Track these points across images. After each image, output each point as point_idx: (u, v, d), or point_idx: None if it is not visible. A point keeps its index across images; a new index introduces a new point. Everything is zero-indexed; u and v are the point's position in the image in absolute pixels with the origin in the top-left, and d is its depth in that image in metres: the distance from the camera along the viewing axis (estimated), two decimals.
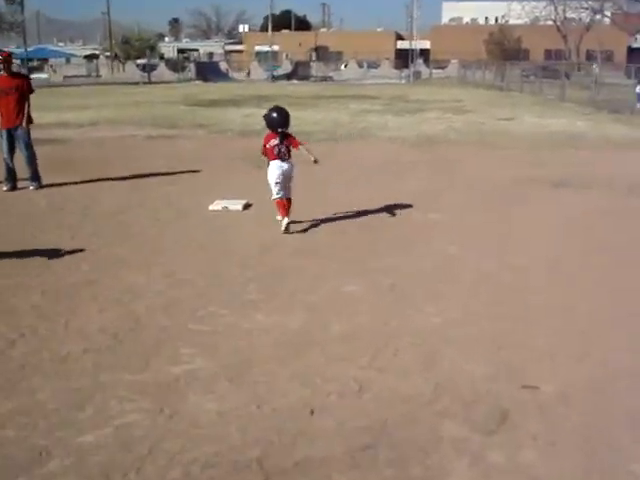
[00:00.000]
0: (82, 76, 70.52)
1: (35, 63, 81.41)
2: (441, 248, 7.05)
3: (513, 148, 15.01)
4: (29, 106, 10.65)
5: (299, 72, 61.65)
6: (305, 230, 7.86)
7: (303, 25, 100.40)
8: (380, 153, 14.17)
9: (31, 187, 10.73)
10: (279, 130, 7.66)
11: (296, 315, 5.31)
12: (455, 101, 30.38)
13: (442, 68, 67.03)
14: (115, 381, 4.30)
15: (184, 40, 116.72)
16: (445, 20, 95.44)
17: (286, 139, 7.71)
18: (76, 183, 11.15)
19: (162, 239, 7.57)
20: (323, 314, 5.32)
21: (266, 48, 66.65)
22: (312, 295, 5.73)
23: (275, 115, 7.71)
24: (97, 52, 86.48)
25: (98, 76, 71.96)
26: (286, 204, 7.78)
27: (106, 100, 32.82)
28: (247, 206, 9.10)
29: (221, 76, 63.18)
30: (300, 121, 20.72)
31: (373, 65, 69.91)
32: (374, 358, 4.55)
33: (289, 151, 7.76)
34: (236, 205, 9.05)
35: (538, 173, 11.52)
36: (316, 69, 65.56)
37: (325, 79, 59.41)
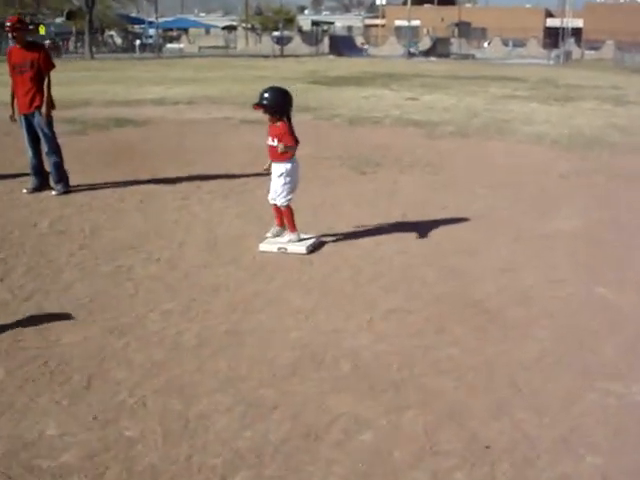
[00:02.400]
0: (218, 47, 69.39)
1: (174, 33, 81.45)
2: (624, 392, 3.77)
3: None
4: (49, 86, 8.09)
5: (438, 49, 57.67)
6: (386, 315, 4.76)
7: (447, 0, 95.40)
8: (520, 159, 10.76)
9: (53, 192, 8.23)
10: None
11: None
12: (613, 88, 26.03)
13: (595, 49, 61.22)
14: None
15: (324, 13, 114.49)
16: None
17: None
18: (113, 185, 8.57)
19: (150, 315, 4.71)
20: None
21: (406, 23, 62.93)
22: None
23: (283, 94, 6.04)
24: (235, 23, 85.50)
25: (233, 48, 70.77)
26: None
27: (225, 74, 30.68)
28: (316, 247, 6.10)
29: (355, 51, 60.20)
30: (426, 107, 17.51)
31: (519, 44, 64.88)
32: None
33: None
34: (299, 246, 6.06)
35: None
36: (457, 46, 61.32)
37: (466, 57, 55.18)
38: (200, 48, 68.52)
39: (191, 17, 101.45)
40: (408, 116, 15.61)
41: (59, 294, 5.08)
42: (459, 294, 5.05)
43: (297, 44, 65.75)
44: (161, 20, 76.23)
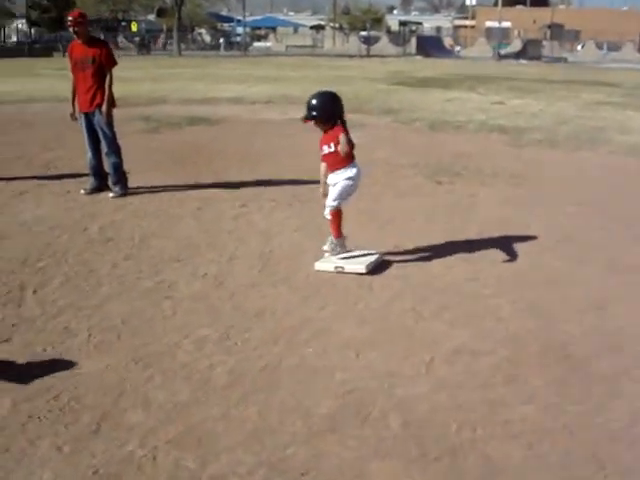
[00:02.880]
0: (306, 46, 69.31)
1: (262, 31, 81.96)
2: None
3: None
4: (111, 84, 7.72)
5: (529, 51, 55.90)
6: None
7: (539, 1, 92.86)
8: (614, 171, 9.87)
9: (111, 194, 7.90)
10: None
11: None
12: None
13: None
14: None
15: (413, 13, 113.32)
16: None
17: None
18: (174, 188, 8.20)
19: (183, 342, 4.21)
20: None
21: (497, 24, 61.30)
22: None
23: (332, 99, 5.42)
24: (323, 23, 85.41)
25: (320, 47, 70.63)
26: None
27: (308, 73, 30.30)
28: (377, 266, 5.51)
29: (444, 52, 59.04)
30: (514, 112, 16.62)
31: (614, 47, 62.45)
32: None
33: None
34: (358, 264, 5.46)
35: None
36: (549, 49, 59.41)
37: (558, 60, 53.35)
38: (287, 47, 68.60)
39: (280, 16, 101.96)
40: (493, 121, 14.79)
41: (91, 312, 4.65)
42: (538, 334, 4.37)
43: (384, 44, 65.01)
44: (250, 19, 76.74)
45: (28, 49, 47.56)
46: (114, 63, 7.76)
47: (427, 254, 5.85)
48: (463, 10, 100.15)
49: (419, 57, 54.03)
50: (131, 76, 26.92)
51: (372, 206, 7.38)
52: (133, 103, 17.37)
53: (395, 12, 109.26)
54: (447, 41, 68.28)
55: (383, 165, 9.78)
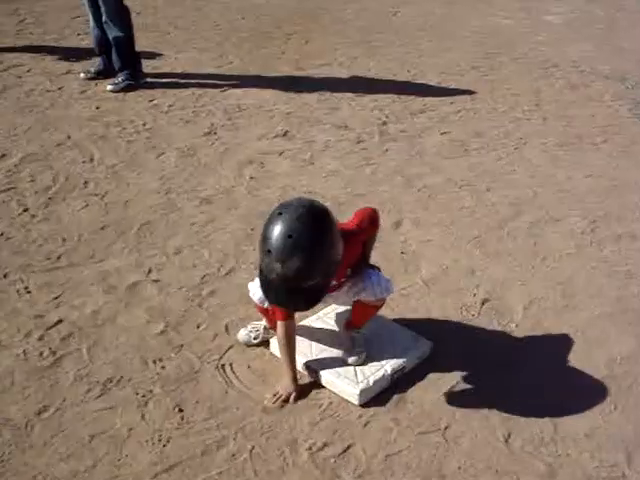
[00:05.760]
0: None
1: None
2: None
3: None
4: None
5: None
6: None
7: None
8: None
9: (109, 86, 5.18)
10: None
11: None
12: None
13: None
14: None
15: None
16: None
17: None
18: (209, 84, 5.41)
19: None
20: None
21: None
22: None
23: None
24: None
25: None
26: None
27: None
28: (393, 381, 2.46)
29: None
30: None
31: None
32: None
33: None
34: (349, 384, 2.39)
35: None
36: None
37: None
38: None
39: None
40: None
41: None
42: None
43: None
44: None
45: None
46: None
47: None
48: None
49: None
50: None
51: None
52: None
53: None
54: None
55: (571, 74, 6.20)
